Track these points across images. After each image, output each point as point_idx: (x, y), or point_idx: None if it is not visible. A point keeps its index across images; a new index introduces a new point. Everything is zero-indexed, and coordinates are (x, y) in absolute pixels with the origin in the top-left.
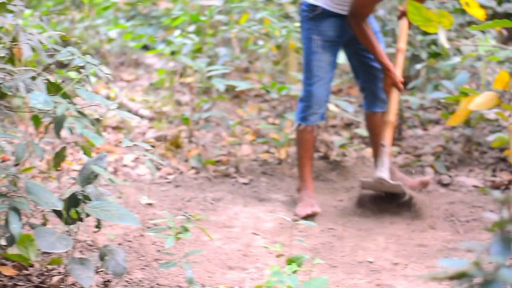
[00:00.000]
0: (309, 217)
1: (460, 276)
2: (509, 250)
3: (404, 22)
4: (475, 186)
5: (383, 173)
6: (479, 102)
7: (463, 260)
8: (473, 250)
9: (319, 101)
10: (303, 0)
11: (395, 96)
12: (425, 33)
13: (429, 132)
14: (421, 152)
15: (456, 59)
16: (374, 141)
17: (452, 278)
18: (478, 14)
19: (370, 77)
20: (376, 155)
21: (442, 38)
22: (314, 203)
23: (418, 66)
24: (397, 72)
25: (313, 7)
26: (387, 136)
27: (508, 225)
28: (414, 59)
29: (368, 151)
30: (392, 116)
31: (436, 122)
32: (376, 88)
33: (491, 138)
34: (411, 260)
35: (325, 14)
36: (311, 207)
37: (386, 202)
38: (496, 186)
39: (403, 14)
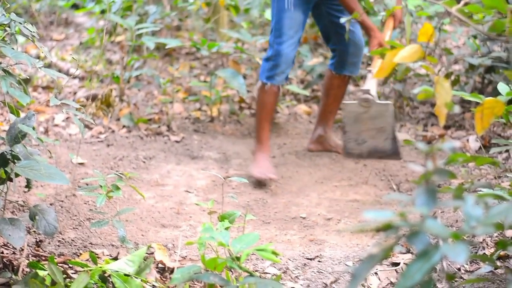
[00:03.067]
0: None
1: (386, 227)
2: (434, 201)
3: None
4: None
5: (369, 87)
6: (404, 54)
7: (389, 212)
8: (400, 202)
9: (287, 61)
10: None
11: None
12: None
13: (360, 88)
14: None
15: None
16: (324, 102)
17: (378, 230)
18: None
19: (341, 38)
20: (322, 115)
21: None
22: (271, 168)
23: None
24: (386, 34)
25: None
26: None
27: (432, 176)
28: None
29: (300, 108)
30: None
31: None
32: (346, 50)
33: (416, 90)
34: (343, 215)
35: None
36: (268, 171)
37: (320, 158)
38: (427, 141)
39: None
